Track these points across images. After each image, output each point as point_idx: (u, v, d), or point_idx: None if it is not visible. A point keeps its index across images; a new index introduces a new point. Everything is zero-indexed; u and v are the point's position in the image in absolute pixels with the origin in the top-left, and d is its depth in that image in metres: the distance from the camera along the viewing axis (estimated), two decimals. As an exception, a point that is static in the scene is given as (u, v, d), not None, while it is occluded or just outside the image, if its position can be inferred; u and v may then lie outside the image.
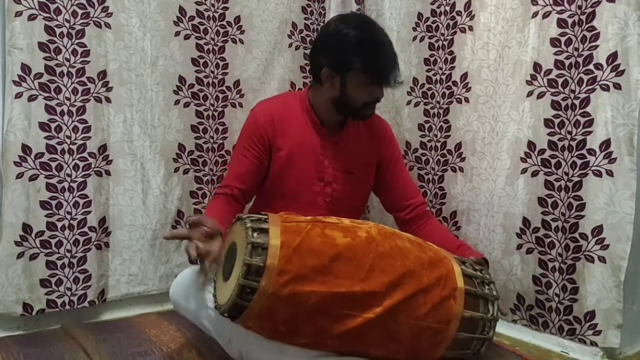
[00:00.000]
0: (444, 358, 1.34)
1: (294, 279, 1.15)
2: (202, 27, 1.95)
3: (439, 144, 1.97)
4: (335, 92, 1.58)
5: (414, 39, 2.04)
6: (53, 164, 1.70)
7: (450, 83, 1.92)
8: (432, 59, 1.99)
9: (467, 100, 1.87)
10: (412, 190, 1.77)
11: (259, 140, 1.62)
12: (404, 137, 2.08)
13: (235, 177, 1.61)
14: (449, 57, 1.92)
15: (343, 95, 1.57)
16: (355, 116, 1.65)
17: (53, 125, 1.70)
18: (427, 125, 2.01)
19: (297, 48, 2.16)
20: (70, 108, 1.72)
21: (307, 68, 2.14)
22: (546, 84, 1.66)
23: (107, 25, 1.77)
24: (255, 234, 1.17)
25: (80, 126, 1.74)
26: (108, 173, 1.82)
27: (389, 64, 1.55)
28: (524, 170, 1.72)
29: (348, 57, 1.53)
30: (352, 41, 1.53)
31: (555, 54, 1.63)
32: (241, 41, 2.03)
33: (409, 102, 2.07)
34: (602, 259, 1.55)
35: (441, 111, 1.96)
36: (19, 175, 1.65)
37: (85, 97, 1.75)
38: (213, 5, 1.97)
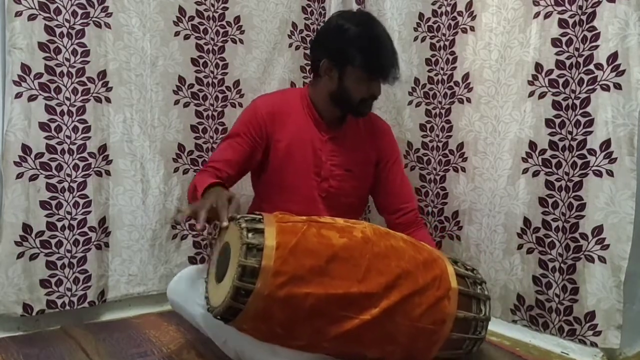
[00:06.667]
0: (437, 358, 1.34)
1: (291, 280, 1.14)
2: (201, 27, 1.95)
3: (440, 144, 1.96)
4: (333, 85, 1.58)
5: (415, 39, 2.03)
6: (53, 164, 1.70)
7: (452, 83, 1.91)
8: (433, 59, 1.98)
9: (469, 100, 1.86)
10: (407, 195, 1.76)
11: (257, 132, 1.61)
12: (406, 137, 2.07)
13: (226, 162, 1.58)
14: (451, 58, 1.91)
15: (340, 88, 1.57)
16: (352, 112, 1.64)
17: (53, 125, 1.70)
18: (428, 126, 2.00)
19: (297, 48, 2.15)
20: (70, 108, 1.72)
21: (308, 68, 2.14)
22: (547, 84, 1.65)
23: (107, 25, 1.77)
24: (250, 235, 1.15)
25: (80, 126, 1.74)
26: (108, 173, 1.82)
27: (387, 61, 1.55)
28: (525, 170, 1.71)
29: (347, 51, 1.53)
30: (352, 36, 1.53)
31: (556, 54, 1.63)
32: (241, 41, 2.03)
33: (410, 102, 2.06)
34: (603, 259, 1.55)
35: (443, 111, 1.95)
36: (19, 175, 1.65)
37: (85, 97, 1.75)
38: (213, 5, 1.96)
